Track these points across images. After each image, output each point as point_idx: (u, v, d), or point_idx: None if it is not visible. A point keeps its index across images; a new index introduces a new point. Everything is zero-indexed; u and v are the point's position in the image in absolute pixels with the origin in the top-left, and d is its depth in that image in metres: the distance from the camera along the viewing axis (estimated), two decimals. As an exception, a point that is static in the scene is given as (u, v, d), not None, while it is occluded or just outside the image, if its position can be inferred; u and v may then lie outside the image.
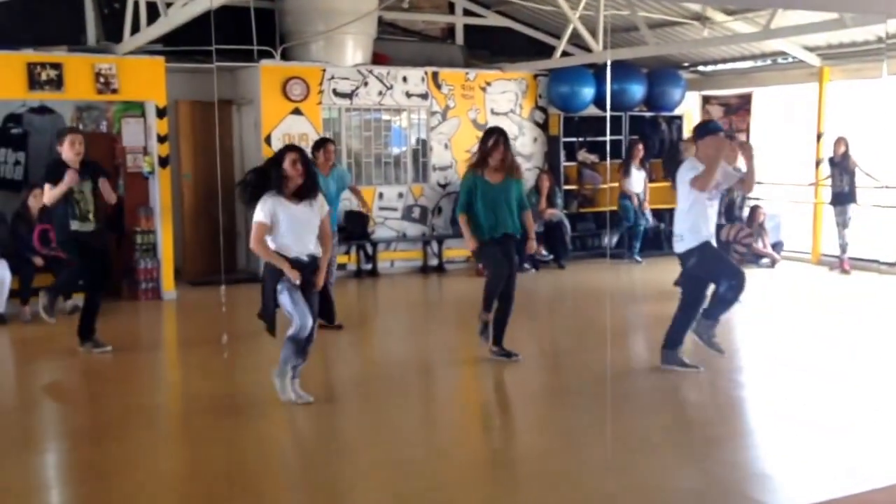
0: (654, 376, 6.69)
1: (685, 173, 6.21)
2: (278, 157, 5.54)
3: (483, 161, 6.56)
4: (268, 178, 5.49)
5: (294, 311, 5.52)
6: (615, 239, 12.49)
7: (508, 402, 6.22)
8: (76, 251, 7.01)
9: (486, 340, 6.73)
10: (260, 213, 5.47)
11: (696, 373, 6.39)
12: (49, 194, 6.83)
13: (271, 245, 5.52)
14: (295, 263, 5.49)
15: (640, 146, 11.59)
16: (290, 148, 5.64)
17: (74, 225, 6.95)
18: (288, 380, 5.67)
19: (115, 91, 9.11)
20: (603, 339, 7.41)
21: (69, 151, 6.88)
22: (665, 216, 12.46)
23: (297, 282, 5.46)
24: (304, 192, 5.52)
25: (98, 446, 5.20)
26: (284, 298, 5.52)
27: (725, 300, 6.37)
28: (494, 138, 6.54)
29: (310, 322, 5.54)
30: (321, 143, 7.96)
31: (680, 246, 6.35)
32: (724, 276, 6.30)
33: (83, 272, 7.12)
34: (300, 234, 5.53)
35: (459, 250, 11.60)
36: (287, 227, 5.48)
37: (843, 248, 10.74)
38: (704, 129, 6.40)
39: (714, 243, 6.36)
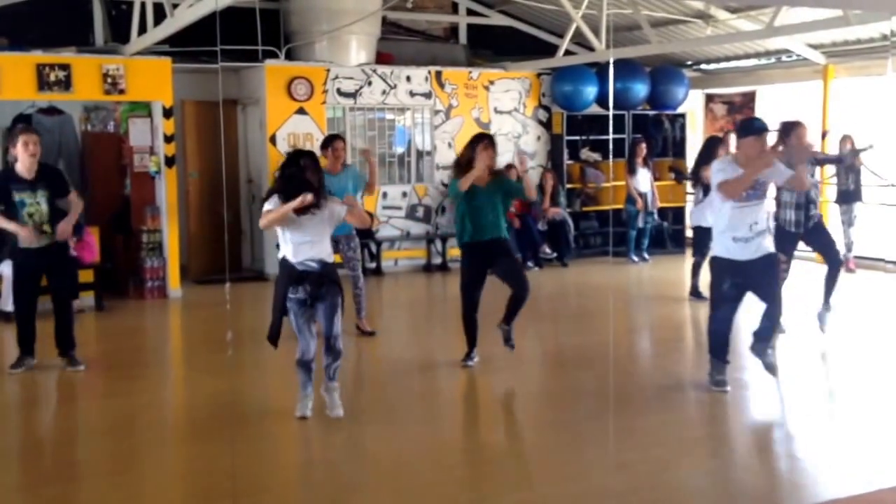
0: (657, 373, 6.73)
1: (714, 174, 5.70)
2: (292, 163, 5.23)
3: (468, 166, 6.38)
4: (296, 185, 5.10)
5: (297, 333, 5.33)
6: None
7: (512, 399, 6.26)
8: (21, 271, 6.45)
9: (469, 362, 6.59)
10: (268, 204, 5.20)
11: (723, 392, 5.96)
12: None
13: (282, 247, 5.33)
14: (304, 273, 5.21)
15: (643, 145, 11.61)
16: (302, 154, 5.35)
17: (24, 242, 6.31)
18: (306, 400, 5.45)
19: (122, 91, 9.19)
20: (605, 336, 7.46)
21: (23, 155, 6.23)
22: (668, 214, 12.51)
23: (298, 204, 5.01)
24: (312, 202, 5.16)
25: (101, 444, 5.28)
26: (291, 318, 5.30)
27: (766, 318, 5.89)
28: (485, 143, 6.42)
29: (311, 347, 5.32)
30: (329, 141, 7.58)
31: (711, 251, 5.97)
32: (763, 298, 5.83)
33: (20, 294, 6.51)
34: (310, 241, 5.24)
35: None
36: (293, 236, 5.23)
37: (849, 246, 10.74)
38: (748, 127, 5.76)
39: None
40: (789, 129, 6.85)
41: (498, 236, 6.46)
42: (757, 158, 5.50)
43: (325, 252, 5.29)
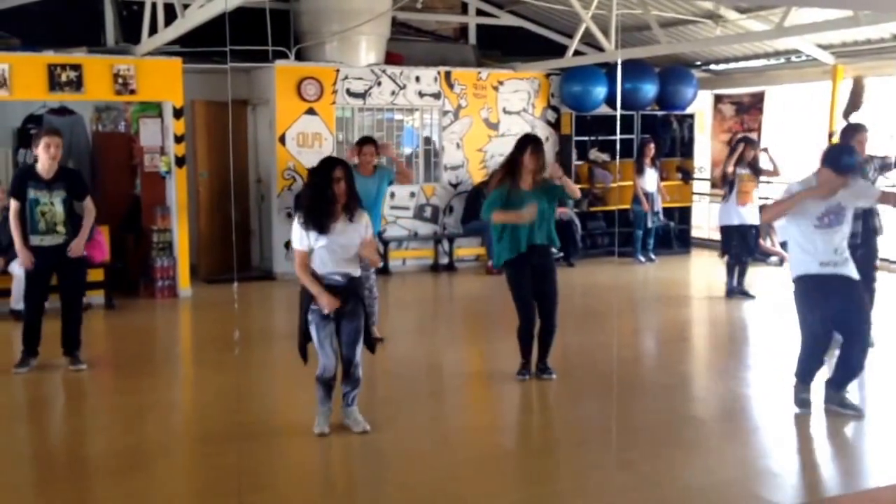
0: (661, 372, 6.75)
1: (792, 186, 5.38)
2: (324, 174, 4.98)
3: (513, 171, 6.08)
4: (323, 198, 4.94)
5: (318, 350, 5.09)
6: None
7: (514, 398, 6.28)
8: (33, 268, 6.53)
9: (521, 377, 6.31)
10: (297, 242, 5.01)
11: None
12: (10, 225, 6.41)
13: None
14: (328, 287, 4.99)
15: (651, 145, 11.61)
16: (336, 162, 5.09)
17: (35, 240, 6.44)
18: (322, 416, 5.24)
19: (133, 92, 9.25)
20: (611, 335, 7.48)
21: (44, 156, 6.38)
22: (675, 214, 12.52)
23: (327, 311, 4.97)
24: (345, 212, 5.01)
25: (110, 443, 5.33)
26: (312, 331, 5.08)
27: (844, 363, 5.49)
28: (532, 147, 6.04)
29: (332, 364, 5.10)
30: (361, 143, 7.24)
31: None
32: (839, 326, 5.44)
33: (31, 292, 6.64)
34: (337, 256, 5.03)
35: (470, 249, 11.71)
36: (323, 248, 5.00)
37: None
38: (835, 161, 5.22)
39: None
40: (850, 134, 6.49)
41: (547, 244, 6.19)
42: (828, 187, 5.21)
43: (352, 266, 5.11)
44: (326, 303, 4.93)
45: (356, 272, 5.13)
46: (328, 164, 5.07)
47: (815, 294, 5.39)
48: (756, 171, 9.15)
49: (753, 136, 12.09)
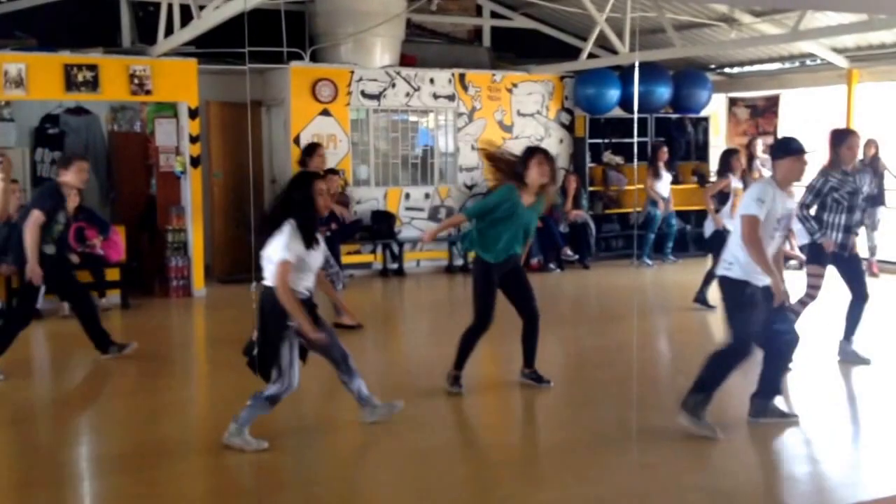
0: (678, 376, 6.72)
1: (749, 203, 5.15)
2: (307, 182, 4.90)
3: (523, 180, 5.81)
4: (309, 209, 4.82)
5: (287, 371, 4.85)
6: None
7: (534, 400, 6.27)
8: (50, 276, 6.61)
9: (456, 389, 6.06)
10: (285, 251, 4.73)
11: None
12: (30, 236, 6.39)
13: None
14: (301, 300, 4.85)
15: (665, 149, 11.59)
16: (311, 176, 5.03)
17: (48, 250, 6.56)
18: (246, 435, 4.94)
19: (148, 92, 9.30)
20: (629, 338, 7.46)
21: (75, 178, 6.62)
22: (690, 218, 12.48)
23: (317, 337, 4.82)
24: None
25: (125, 441, 5.35)
26: (285, 352, 4.83)
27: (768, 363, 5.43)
28: (539, 158, 5.79)
29: (296, 385, 4.90)
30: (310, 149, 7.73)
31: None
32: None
33: (29, 302, 6.75)
34: (310, 274, 4.93)
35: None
36: (302, 266, 4.83)
37: (872, 250, 10.68)
38: (784, 147, 5.25)
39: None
40: (840, 139, 6.54)
41: (516, 253, 5.99)
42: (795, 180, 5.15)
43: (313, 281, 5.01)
44: (321, 339, 4.81)
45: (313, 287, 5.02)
46: (311, 176, 5.01)
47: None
48: (746, 185, 9.04)
49: (760, 140, 12.05)
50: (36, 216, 6.44)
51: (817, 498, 4.50)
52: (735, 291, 5.11)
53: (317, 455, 5.16)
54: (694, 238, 12.63)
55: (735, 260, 5.11)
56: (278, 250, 4.72)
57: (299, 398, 6.00)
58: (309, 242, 4.82)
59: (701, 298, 8.94)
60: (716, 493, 4.47)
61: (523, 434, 5.70)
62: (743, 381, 6.45)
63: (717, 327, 8.73)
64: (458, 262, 11.55)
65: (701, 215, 12.65)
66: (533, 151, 5.84)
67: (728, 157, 9.08)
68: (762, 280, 5.09)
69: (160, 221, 9.87)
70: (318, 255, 4.98)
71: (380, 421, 5.31)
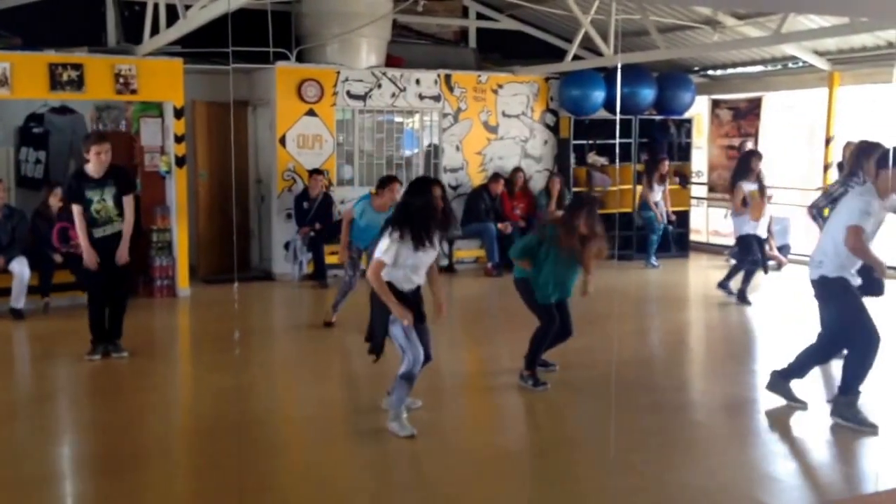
0: (660, 374, 6.79)
1: (852, 212, 5.27)
2: (422, 192, 5.24)
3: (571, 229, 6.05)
4: (428, 216, 5.13)
5: (408, 346, 5.17)
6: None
7: (518, 400, 6.31)
8: (95, 268, 6.89)
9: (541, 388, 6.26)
10: (381, 253, 5.09)
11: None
12: (79, 228, 6.83)
13: (384, 276, 5.13)
14: (400, 297, 5.16)
15: (666, 162, 11.69)
16: (435, 181, 5.54)
17: (98, 232, 6.89)
18: (404, 418, 5.29)
19: (134, 91, 9.28)
20: (610, 337, 7.52)
21: (95, 160, 6.82)
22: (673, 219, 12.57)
23: (407, 323, 5.12)
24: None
25: (110, 442, 5.35)
26: (398, 331, 5.17)
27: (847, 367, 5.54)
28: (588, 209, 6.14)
29: (422, 356, 5.24)
30: (386, 182, 7.52)
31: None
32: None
33: (95, 285, 7.02)
34: (417, 271, 5.23)
35: (469, 251, 11.75)
36: (405, 262, 5.14)
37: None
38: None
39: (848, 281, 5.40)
40: (869, 152, 6.17)
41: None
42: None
43: (422, 278, 5.35)
44: (409, 319, 5.12)
45: (422, 282, 5.36)
46: (426, 182, 5.46)
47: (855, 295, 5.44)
48: (762, 187, 9.13)
49: (750, 142, 12.17)
50: (76, 211, 6.81)
51: (798, 496, 4.56)
52: (836, 287, 5.36)
53: (298, 456, 5.18)
54: (676, 239, 12.72)
55: (826, 258, 5.38)
56: (379, 250, 5.13)
57: (289, 401, 6.02)
58: (421, 244, 5.10)
59: (724, 285, 9.26)
60: (696, 491, 4.52)
61: (503, 434, 5.72)
62: (725, 379, 6.53)
63: (700, 328, 8.82)
64: (444, 262, 11.56)
65: (683, 216, 12.80)
66: (582, 202, 6.35)
67: (748, 159, 9.14)
68: (855, 279, 5.37)
69: (145, 221, 9.84)
70: (431, 253, 5.25)
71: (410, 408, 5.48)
